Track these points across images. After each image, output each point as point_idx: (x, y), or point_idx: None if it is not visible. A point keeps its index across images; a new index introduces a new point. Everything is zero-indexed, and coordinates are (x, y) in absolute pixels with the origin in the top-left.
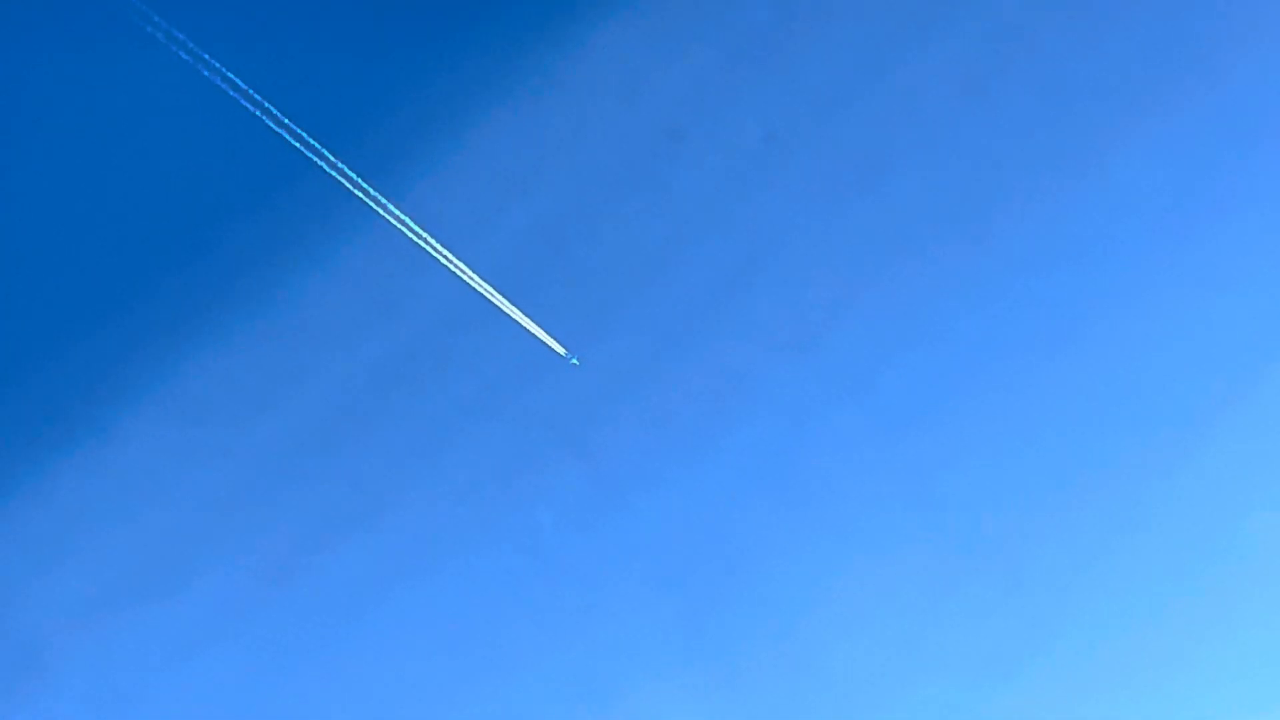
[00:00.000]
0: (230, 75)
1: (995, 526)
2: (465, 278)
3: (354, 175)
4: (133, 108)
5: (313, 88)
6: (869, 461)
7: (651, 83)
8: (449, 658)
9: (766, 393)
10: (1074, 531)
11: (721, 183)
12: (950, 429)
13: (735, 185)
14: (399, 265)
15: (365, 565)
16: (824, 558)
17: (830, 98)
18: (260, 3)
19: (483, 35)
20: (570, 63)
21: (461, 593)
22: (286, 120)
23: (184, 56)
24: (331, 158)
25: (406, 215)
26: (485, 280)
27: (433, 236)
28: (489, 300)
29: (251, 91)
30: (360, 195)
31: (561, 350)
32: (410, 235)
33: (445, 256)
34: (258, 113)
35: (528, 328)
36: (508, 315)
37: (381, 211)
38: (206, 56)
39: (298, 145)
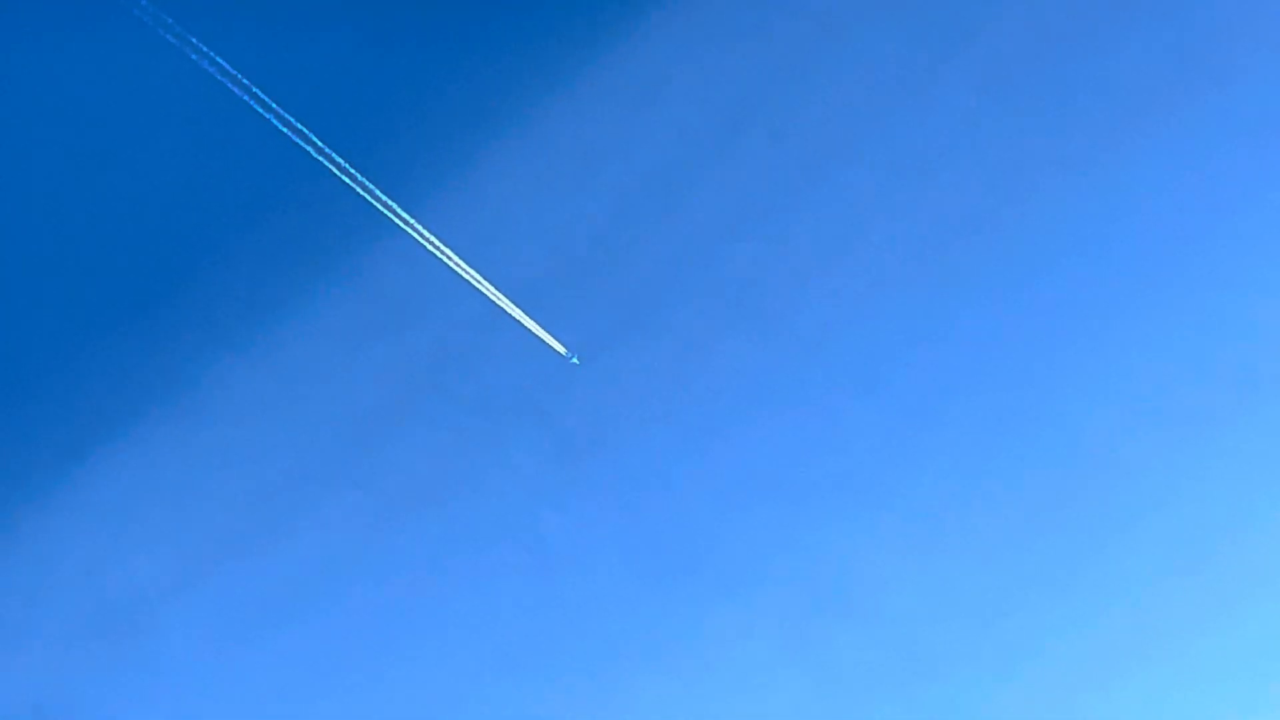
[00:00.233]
0: (256, 89)
1: (996, 527)
2: (469, 278)
3: (346, 165)
4: (162, 121)
5: (333, 98)
6: (871, 460)
7: (660, 89)
8: (449, 653)
9: (767, 393)
10: (1075, 532)
11: (730, 187)
12: (954, 428)
13: (743, 189)
14: (403, 266)
15: (370, 560)
16: (823, 558)
17: (832, 103)
18: (284, 13)
19: (498, 47)
20: (584, 70)
21: (464, 589)
22: (312, 135)
23: (206, 67)
24: (337, 157)
25: (412, 216)
26: (487, 280)
27: (436, 237)
28: (492, 300)
29: (275, 104)
30: (365, 195)
31: (562, 350)
32: (415, 237)
33: (448, 257)
34: (284, 129)
35: (529, 327)
36: (509, 315)
37: (386, 212)
38: (230, 67)
39: (322, 159)
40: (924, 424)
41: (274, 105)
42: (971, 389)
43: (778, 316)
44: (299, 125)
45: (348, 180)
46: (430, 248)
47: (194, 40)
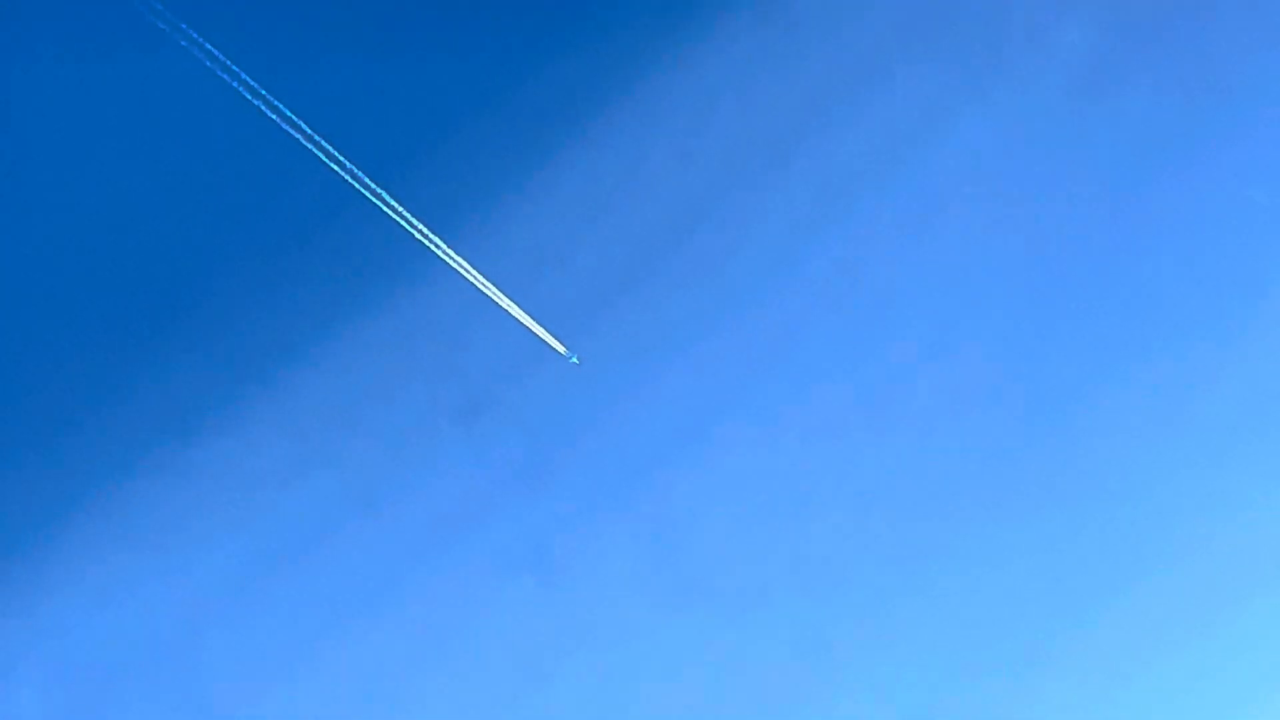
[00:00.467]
0: (299, 120)
1: (997, 527)
2: (470, 277)
3: (341, 158)
4: (208, 157)
5: (369, 128)
6: (868, 461)
7: (665, 100)
8: (450, 648)
9: (768, 393)
10: (1078, 535)
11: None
12: (953, 429)
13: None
14: (404, 265)
15: (379, 554)
16: (823, 558)
17: (846, 132)
18: (326, 45)
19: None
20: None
21: (464, 589)
22: (354, 167)
23: (240, 89)
24: (323, 141)
25: (413, 215)
26: (488, 280)
27: (437, 236)
28: (493, 300)
29: (318, 137)
30: (361, 188)
31: (563, 349)
32: (419, 237)
33: (450, 256)
34: (329, 162)
35: (530, 327)
36: (510, 315)
37: (391, 213)
38: (266, 91)
39: (308, 143)
40: (921, 423)
41: (277, 103)
42: (977, 390)
43: (778, 320)
44: (295, 118)
45: (348, 178)
46: (432, 247)
47: (233, 65)
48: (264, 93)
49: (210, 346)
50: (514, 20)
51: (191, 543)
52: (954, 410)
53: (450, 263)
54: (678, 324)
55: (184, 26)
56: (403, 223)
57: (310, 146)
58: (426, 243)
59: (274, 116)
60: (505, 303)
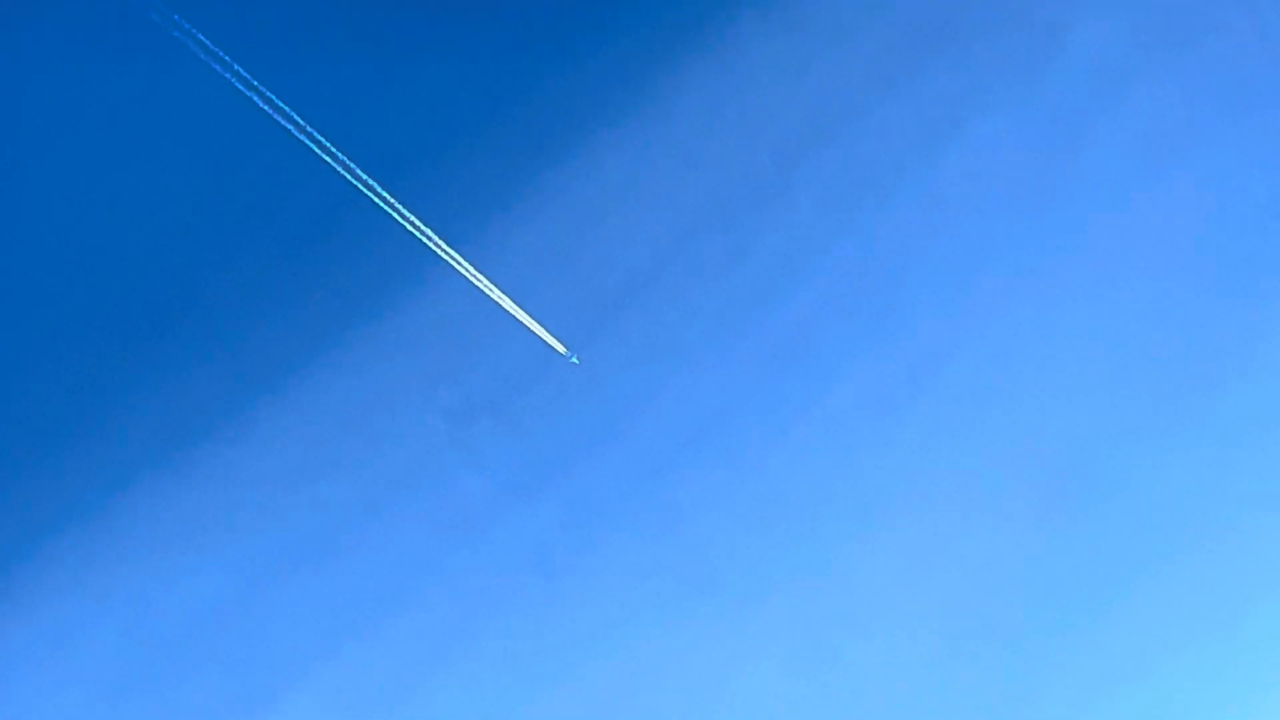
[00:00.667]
0: (312, 130)
1: (997, 528)
2: (469, 276)
3: (343, 157)
4: (210, 159)
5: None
6: (867, 461)
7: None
8: (452, 645)
9: (767, 394)
10: (1082, 539)
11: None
12: (953, 430)
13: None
14: (404, 265)
15: (383, 557)
16: (822, 558)
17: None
18: (333, 46)
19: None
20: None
21: (463, 588)
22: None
23: (245, 91)
24: (323, 138)
25: (415, 216)
26: (488, 279)
27: (438, 235)
28: (493, 300)
29: (319, 136)
30: (376, 200)
31: (562, 349)
32: (417, 236)
33: (451, 255)
34: (331, 161)
35: (530, 327)
36: (510, 315)
37: (393, 213)
38: (271, 93)
39: (310, 142)
40: (922, 426)
41: (287, 108)
42: (977, 393)
43: (778, 322)
44: (305, 124)
45: (351, 179)
46: (433, 246)
47: (237, 66)
48: (272, 96)
49: (213, 349)
50: (524, 23)
51: (193, 550)
52: (964, 417)
53: (450, 261)
54: (683, 326)
55: (188, 26)
56: (407, 225)
57: (313, 147)
58: (429, 243)
59: (291, 127)
60: (506, 303)
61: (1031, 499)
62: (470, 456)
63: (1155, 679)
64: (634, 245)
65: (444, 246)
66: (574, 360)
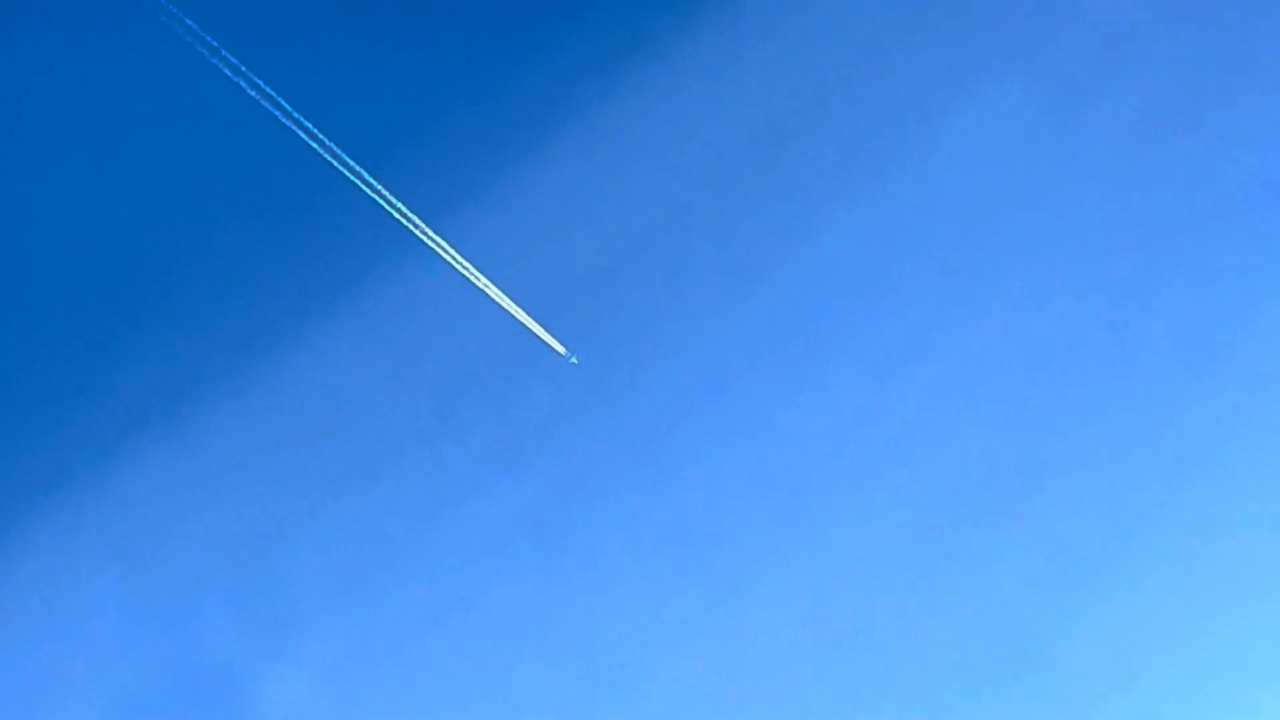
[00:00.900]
0: (295, 113)
1: (996, 529)
2: (469, 275)
3: (330, 143)
4: (169, 120)
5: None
6: (866, 461)
7: (678, 107)
8: (456, 643)
9: (767, 394)
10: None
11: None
12: (952, 431)
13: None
14: (404, 264)
15: (371, 556)
16: (822, 558)
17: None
18: (311, 23)
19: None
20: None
21: (463, 588)
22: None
23: (225, 70)
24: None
25: (413, 212)
26: (488, 279)
27: (438, 234)
28: (492, 299)
29: (307, 122)
30: (368, 191)
31: (562, 349)
32: (418, 234)
33: (451, 256)
34: (318, 147)
35: (529, 326)
36: (509, 313)
37: (385, 205)
38: (252, 73)
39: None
40: (921, 426)
41: (274, 94)
42: (975, 395)
43: (779, 317)
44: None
45: (342, 168)
46: (432, 245)
47: (223, 51)
48: (265, 86)
49: (195, 334)
50: (518, 4)
51: (176, 534)
52: (958, 410)
53: (450, 260)
54: (677, 318)
55: (172, 8)
56: (401, 218)
57: (300, 133)
58: (427, 240)
59: (293, 126)
60: (507, 303)
61: (1031, 476)
62: (468, 456)
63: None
64: (626, 229)
65: (443, 244)
66: (573, 361)
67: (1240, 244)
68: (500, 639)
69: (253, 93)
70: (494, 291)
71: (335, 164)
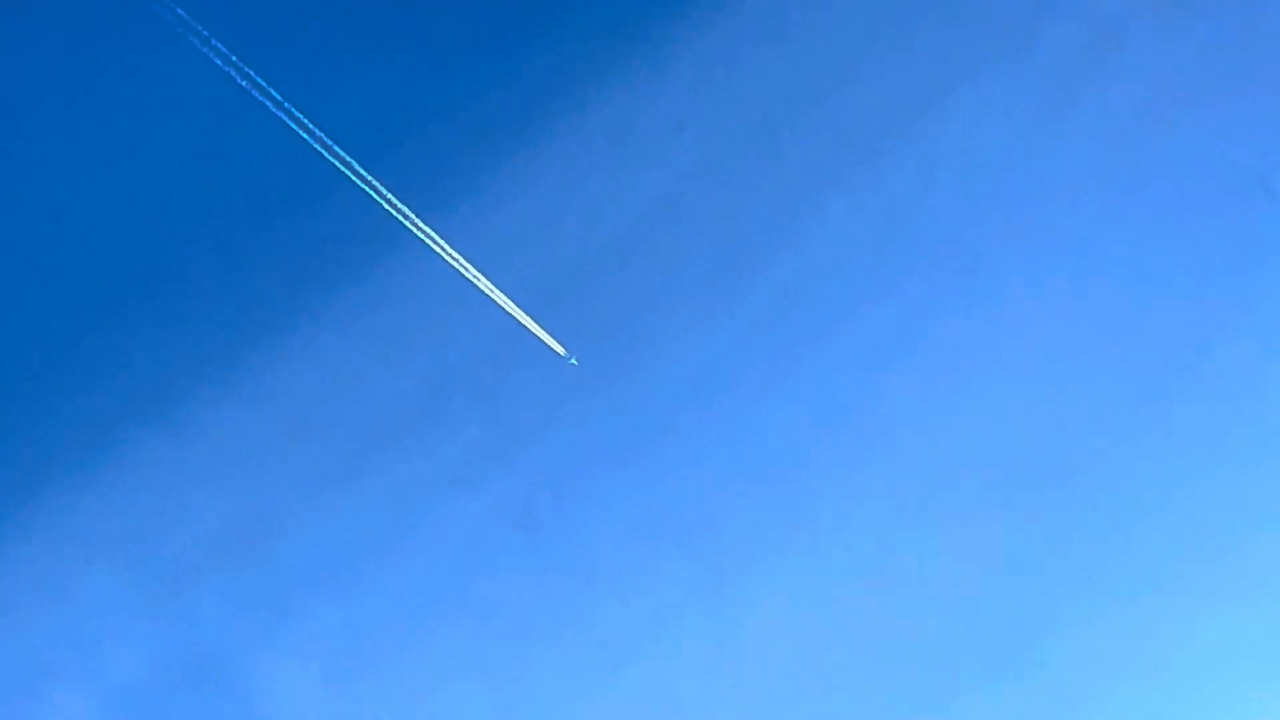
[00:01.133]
0: (292, 108)
1: (994, 530)
2: (469, 275)
3: (332, 144)
4: (167, 116)
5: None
6: (867, 461)
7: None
8: (460, 643)
9: (765, 394)
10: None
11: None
12: (950, 426)
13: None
14: (404, 264)
15: (372, 555)
16: (822, 558)
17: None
18: (312, 26)
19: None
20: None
21: (463, 589)
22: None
23: (220, 64)
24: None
25: (413, 211)
26: (488, 279)
27: (438, 235)
28: (491, 300)
29: (309, 123)
30: (369, 191)
31: (561, 350)
32: (419, 235)
33: (451, 257)
34: (320, 148)
35: (528, 326)
36: (509, 314)
37: (385, 204)
38: (249, 68)
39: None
40: (920, 429)
41: (273, 91)
42: (971, 395)
43: (778, 319)
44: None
45: (344, 169)
46: (433, 246)
47: (214, 41)
48: (257, 77)
49: (189, 326)
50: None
51: (172, 524)
52: (956, 405)
53: (450, 260)
54: (673, 313)
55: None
56: (400, 217)
57: (304, 134)
58: (427, 239)
59: (297, 128)
60: (508, 304)
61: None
62: (470, 452)
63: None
64: (621, 223)
65: (443, 244)
66: (573, 362)
67: (1232, 240)
68: (494, 630)
69: (244, 83)
70: (496, 294)
71: (327, 155)
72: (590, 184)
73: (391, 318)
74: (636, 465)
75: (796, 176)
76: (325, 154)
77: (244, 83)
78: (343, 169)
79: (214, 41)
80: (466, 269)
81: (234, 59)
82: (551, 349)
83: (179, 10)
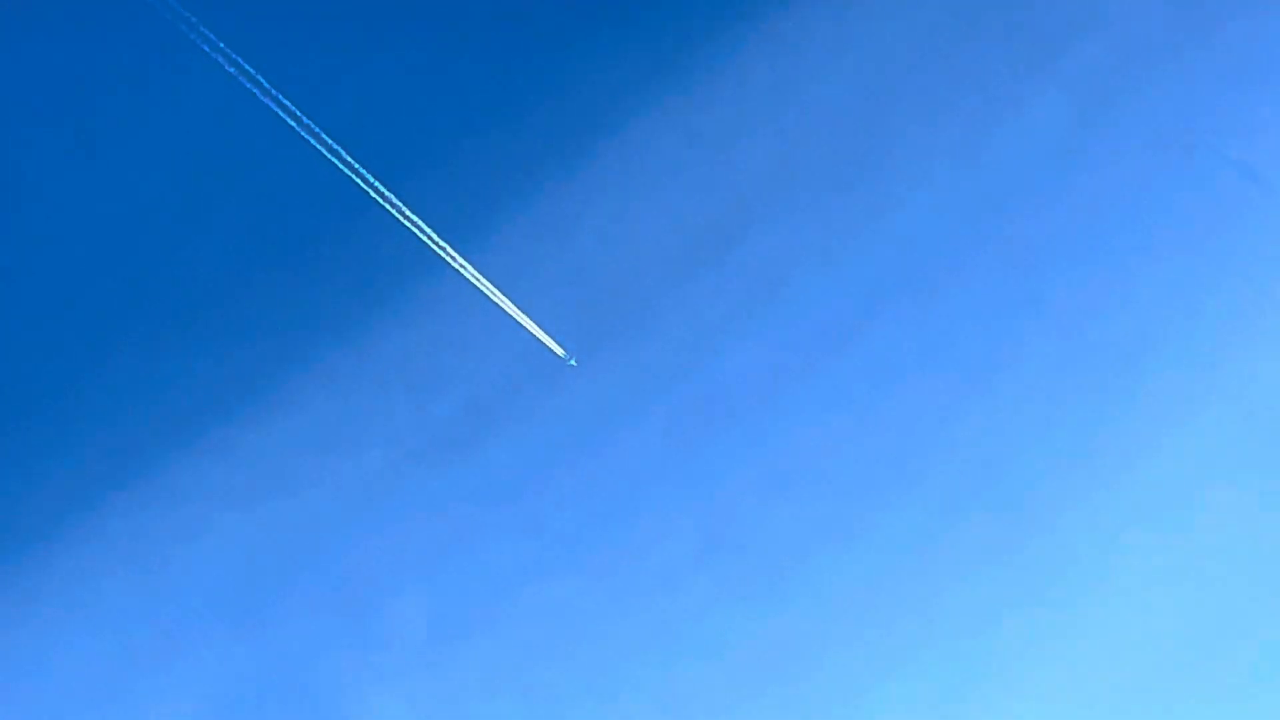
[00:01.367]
0: (316, 127)
1: (995, 528)
2: (470, 277)
3: (339, 149)
4: (219, 159)
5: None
6: (867, 460)
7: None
8: (466, 644)
9: (766, 395)
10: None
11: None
12: (947, 430)
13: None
14: (405, 266)
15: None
16: (822, 558)
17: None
18: (336, 41)
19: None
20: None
21: (463, 591)
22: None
23: (248, 84)
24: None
25: (417, 215)
26: (490, 281)
27: (439, 236)
28: (493, 301)
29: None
30: (374, 195)
31: (561, 351)
32: (421, 236)
33: (452, 257)
34: (334, 158)
35: (528, 328)
36: (510, 316)
37: (392, 210)
38: (274, 89)
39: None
40: (922, 426)
41: (287, 102)
42: (967, 395)
43: (776, 321)
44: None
45: (348, 172)
46: (434, 247)
47: (259, 76)
48: (293, 106)
49: (213, 344)
50: (537, 24)
51: (187, 552)
52: (955, 405)
53: (451, 262)
54: (683, 323)
55: (192, 19)
56: (406, 221)
57: (322, 149)
58: (429, 241)
59: (311, 138)
60: (508, 305)
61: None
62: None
63: None
64: (636, 241)
65: (448, 249)
66: (572, 362)
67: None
68: (535, 639)
69: (284, 115)
70: (497, 295)
71: (327, 154)
72: (616, 208)
73: (423, 340)
74: (685, 484)
75: (821, 207)
76: (326, 151)
77: (285, 115)
78: (342, 168)
79: (259, 77)
80: (476, 277)
81: (275, 92)
82: (554, 352)
83: (236, 59)
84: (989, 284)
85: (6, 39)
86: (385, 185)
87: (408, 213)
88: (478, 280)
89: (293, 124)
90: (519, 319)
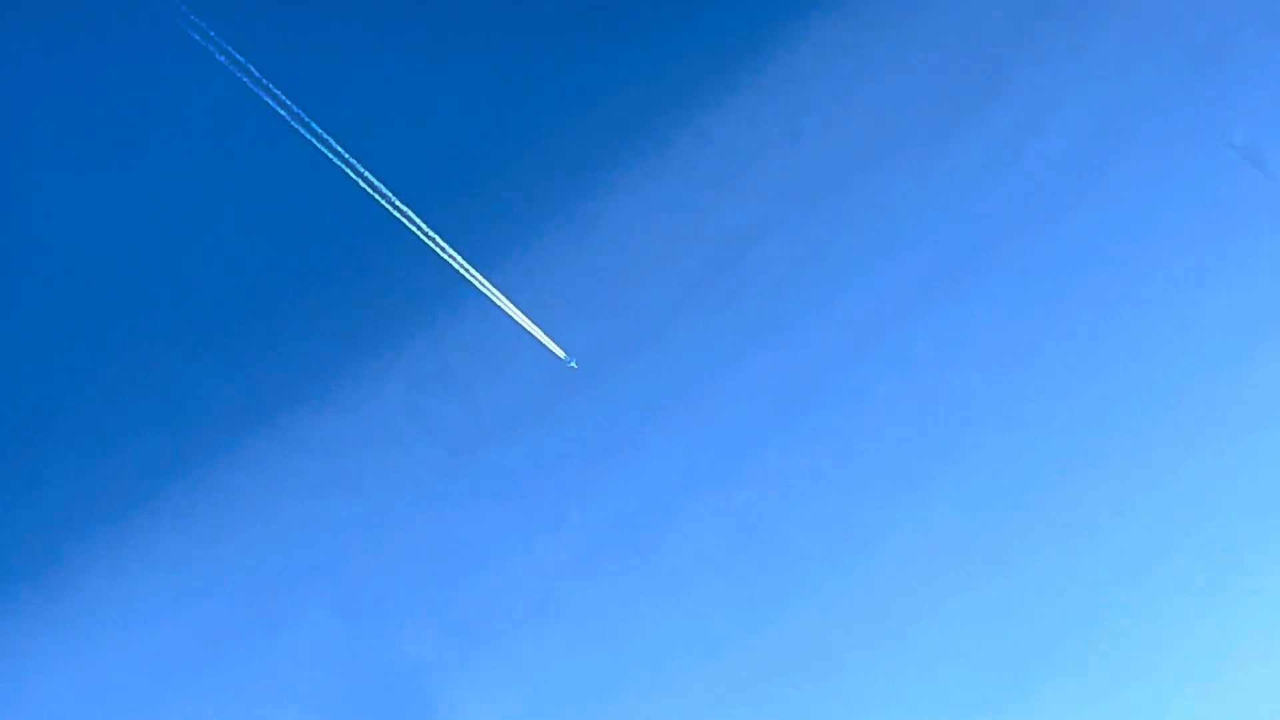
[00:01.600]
0: (349, 156)
1: (994, 529)
2: (470, 276)
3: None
4: (257, 191)
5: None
6: (867, 460)
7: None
8: (473, 645)
9: (764, 393)
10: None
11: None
12: (944, 429)
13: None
14: (407, 268)
15: (377, 556)
16: (822, 558)
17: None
18: (363, 62)
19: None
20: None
21: (464, 592)
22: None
23: (275, 107)
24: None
25: (420, 218)
26: (489, 281)
27: (444, 240)
28: (495, 304)
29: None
30: (380, 201)
31: (561, 353)
32: (423, 238)
33: (454, 260)
34: (354, 174)
35: (529, 330)
36: (510, 317)
37: (398, 214)
38: (319, 127)
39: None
40: (917, 423)
41: (299, 111)
42: (962, 394)
43: (775, 324)
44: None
45: (354, 177)
46: (440, 251)
47: (285, 97)
48: (317, 127)
49: (260, 353)
50: (552, 40)
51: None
52: (954, 405)
53: (458, 269)
54: (692, 336)
55: (214, 35)
56: (416, 229)
57: (334, 159)
58: (437, 249)
59: (329, 151)
60: (508, 306)
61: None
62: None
63: None
64: (651, 248)
65: (458, 258)
66: (572, 364)
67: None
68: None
69: (312, 139)
70: (497, 295)
71: (375, 194)
72: (621, 221)
73: (375, 311)
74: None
75: (838, 233)
76: (375, 193)
77: (312, 139)
78: (353, 177)
79: (284, 98)
80: (477, 279)
81: (300, 112)
82: (555, 354)
83: (235, 54)
84: (1005, 289)
85: (22, 49)
86: (410, 206)
87: (412, 216)
88: (486, 287)
89: (327, 154)
90: (526, 325)
